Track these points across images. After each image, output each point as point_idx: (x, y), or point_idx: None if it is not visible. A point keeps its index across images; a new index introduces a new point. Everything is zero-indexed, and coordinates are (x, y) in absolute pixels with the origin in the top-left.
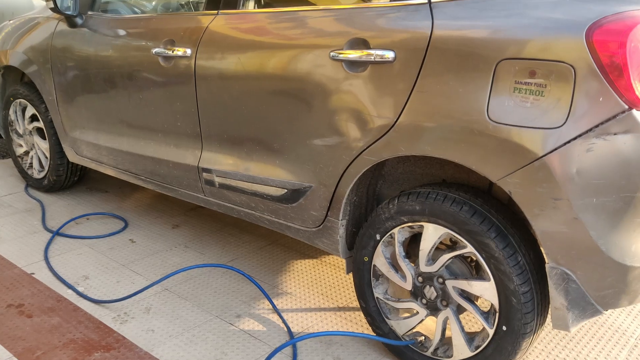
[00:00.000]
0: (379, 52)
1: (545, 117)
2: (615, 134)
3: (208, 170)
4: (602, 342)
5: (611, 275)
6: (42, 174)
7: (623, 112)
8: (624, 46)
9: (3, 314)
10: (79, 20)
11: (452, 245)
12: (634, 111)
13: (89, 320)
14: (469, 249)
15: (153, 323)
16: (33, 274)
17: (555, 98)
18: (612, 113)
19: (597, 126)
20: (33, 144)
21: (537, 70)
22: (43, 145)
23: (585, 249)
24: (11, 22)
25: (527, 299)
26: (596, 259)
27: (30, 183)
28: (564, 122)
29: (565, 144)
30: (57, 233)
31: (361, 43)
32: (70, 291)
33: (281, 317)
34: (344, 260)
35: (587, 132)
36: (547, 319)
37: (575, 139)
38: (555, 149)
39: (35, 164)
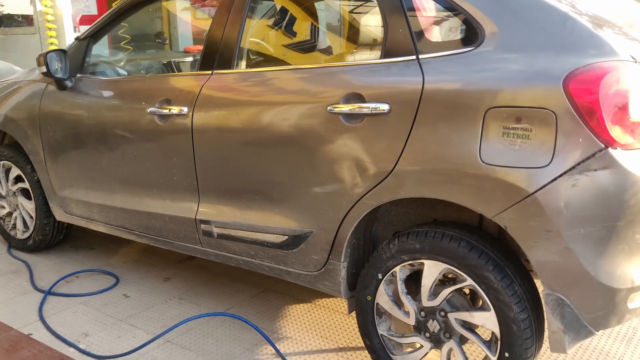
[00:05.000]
0: (374, 105)
1: (532, 157)
2: (595, 170)
3: (206, 222)
4: None
5: (601, 298)
6: (26, 234)
7: (600, 150)
8: (596, 93)
9: None
10: (68, 83)
11: (450, 279)
12: (610, 149)
13: None
14: (469, 282)
15: None
16: (31, 334)
17: (541, 140)
18: (591, 152)
19: (579, 164)
20: (17, 205)
21: (522, 116)
22: (28, 206)
23: (577, 275)
24: None
25: (527, 325)
26: (587, 284)
27: (13, 244)
28: (550, 162)
29: (552, 181)
30: (49, 292)
31: (357, 97)
32: (72, 349)
33: None
34: (338, 303)
35: (571, 169)
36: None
37: (561, 176)
38: (544, 186)
39: (20, 225)
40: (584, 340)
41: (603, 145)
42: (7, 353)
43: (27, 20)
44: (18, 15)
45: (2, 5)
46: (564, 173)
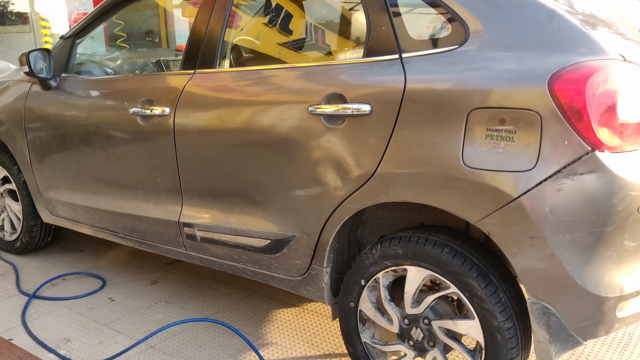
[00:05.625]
0: (356, 106)
1: (516, 161)
2: (581, 174)
3: (189, 225)
4: None
5: (588, 307)
6: (14, 236)
7: (587, 153)
8: (582, 93)
9: None
10: (53, 83)
11: (435, 286)
12: (597, 152)
13: None
14: (452, 289)
15: None
16: (11, 339)
17: (525, 143)
18: (577, 155)
19: (564, 167)
20: (4, 206)
21: (506, 118)
22: (15, 207)
23: (562, 284)
24: None
25: (511, 335)
26: (573, 293)
27: (1, 246)
28: (535, 165)
29: (537, 185)
30: (33, 296)
31: (338, 98)
32: (52, 355)
33: None
34: (326, 307)
35: (556, 173)
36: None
37: (546, 180)
38: (528, 191)
39: (7, 227)
40: (572, 350)
41: (590, 148)
42: None
43: (22, 18)
44: (12, 14)
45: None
46: (549, 177)
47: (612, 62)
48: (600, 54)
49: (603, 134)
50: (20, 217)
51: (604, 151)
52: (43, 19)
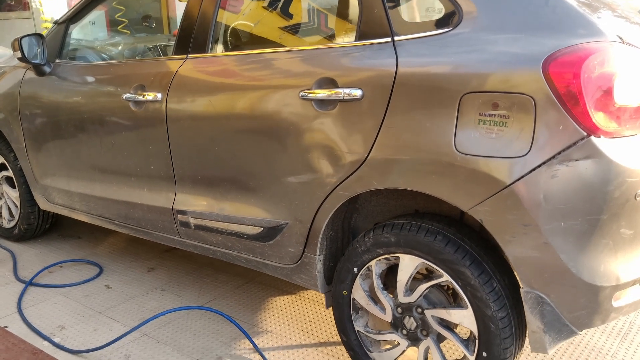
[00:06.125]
0: (347, 91)
1: (510, 146)
2: (576, 160)
3: (183, 212)
4: None
5: (583, 296)
6: (12, 223)
7: (582, 139)
8: (578, 77)
9: None
10: (46, 69)
11: (429, 274)
12: (593, 138)
13: None
14: (445, 278)
15: None
16: (6, 327)
17: (519, 128)
18: (572, 140)
19: (559, 153)
20: (2, 194)
21: (499, 102)
22: (13, 194)
23: (557, 272)
24: None
25: (505, 324)
26: (568, 281)
27: (0, 233)
28: (528, 151)
29: (530, 171)
30: (30, 283)
31: (329, 82)
32: (46, 343)
33: (263, 356)
34: (322, 295)
35: (550, 159)
36: (526, 342)
37: (539, 166)
38: (522, 177)
39: (5, 214)
40: (567, 339)
41: (585, 133)
42: None
43: (22, 4)
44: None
45: None
46: (543, 163)
47: (610, 44)
48: (597, 35)
49: (599, 118)
50: (18, 204)
51: (599, 136)
52: (41, 9)
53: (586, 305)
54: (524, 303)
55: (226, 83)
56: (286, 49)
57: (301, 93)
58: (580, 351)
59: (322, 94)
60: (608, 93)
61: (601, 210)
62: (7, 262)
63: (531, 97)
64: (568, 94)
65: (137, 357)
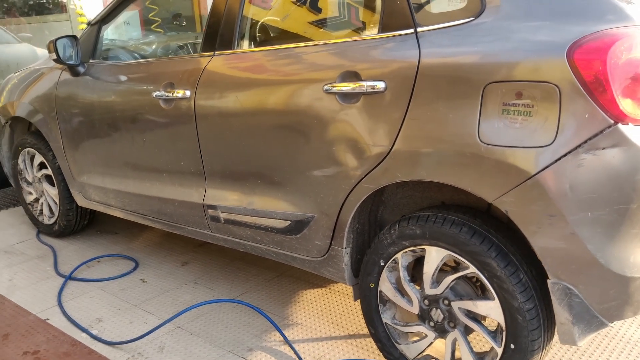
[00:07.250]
0: (370, 83)
1: (534, 136)
2: (603, 149)
3: (213, 207)
4: (614, 354)
5: (613, 287)
6: (52, 220)
7: (609, 127)
8: (604, 63)
9: None
10: (81, 69)
11: (456, 266)
12: (620, 125)
13: None
14: (472, 270)
15: None
16: (47, 319)
17: (543, 117)
18: (599, 128)
19: (585, 142)
20: (42, 191)
21: (523, 91)
22: (52, 192)
23: (584, 263)
24: (16, 74)
25: (533, 316)
26: (596, 272)
27: (41, 229)
28: (553, 140)
29: (556, 161)
30: (69, 277)
31: (353, 75)
32: (84, 335)
33: (293, 348)
34: (351, 288)
35: (576, 148)
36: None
37: (565, 155)
38: (547, 167)
39: (46, 211)
40: (598, 331)
41: (612, 121)
42: (23, 338)
43: (60, 7)
44: (50, 3)
45: None
46: (569, 152)
47: (637, 29)
48: (625, 20)
49: (627, 105)
50: (57, 201)
51: (627, 124)
52: (80, 12)
53: (616, 296)
54: (551, 294)
55: (252, 78)
56: (310, 43)
57: (325, 87)
58: (614, 344)
59: (346, 87)
60: (636, 79)
61: (630, 200)
62: (48, 257)
63: (556, 85)
64: (594, 82)
65: (170, 349)
